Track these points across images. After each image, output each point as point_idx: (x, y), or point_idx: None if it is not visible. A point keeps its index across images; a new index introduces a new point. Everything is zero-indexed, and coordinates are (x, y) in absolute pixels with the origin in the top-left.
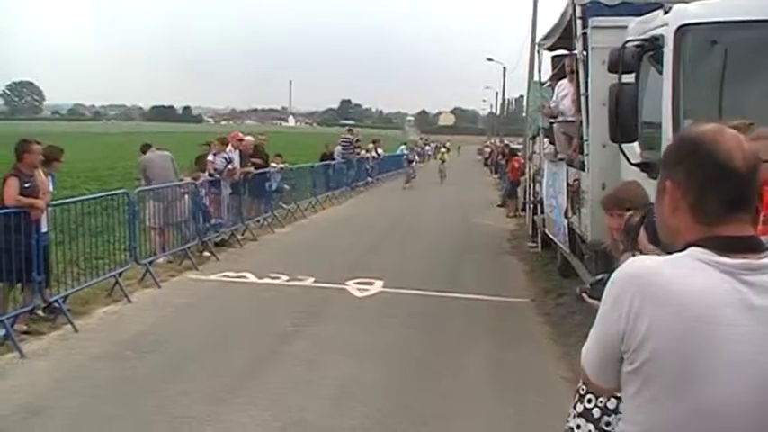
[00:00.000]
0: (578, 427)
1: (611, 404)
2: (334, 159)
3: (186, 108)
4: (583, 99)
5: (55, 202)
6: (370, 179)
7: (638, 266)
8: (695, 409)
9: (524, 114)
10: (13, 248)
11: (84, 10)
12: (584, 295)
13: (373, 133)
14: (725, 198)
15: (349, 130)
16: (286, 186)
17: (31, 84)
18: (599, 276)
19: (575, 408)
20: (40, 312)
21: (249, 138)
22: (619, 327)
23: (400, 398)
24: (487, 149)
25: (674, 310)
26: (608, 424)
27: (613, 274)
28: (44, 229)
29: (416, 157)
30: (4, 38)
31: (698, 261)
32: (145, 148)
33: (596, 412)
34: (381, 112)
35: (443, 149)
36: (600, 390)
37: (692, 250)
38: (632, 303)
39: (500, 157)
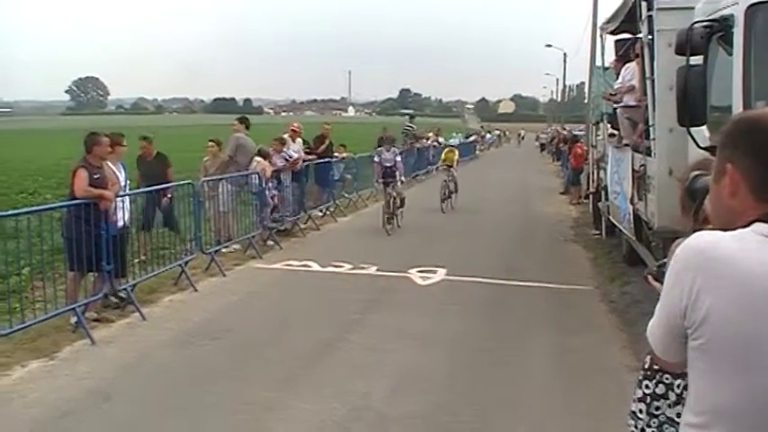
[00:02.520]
0: (640, 411)
1: (660, 389)
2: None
3: (247, 100)
4: (648, 83)
5: (125, 192)
6: (431, 167)
7: (700, 241)
8: (761, 385)
9: (586, 100)
10: (83, 238)
11: (147, 5)
12: (650, 278)
13: (433, 122)
14: None
15: (411, 118)
16: (348, 176)
17: (96, 79)
18: (666, 259)
19: (635, 393)
20: (113, 299)
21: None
22: (681, 303)
23: (463, 385)
24: (544, 136)
25: (738, 286)
26: (657, 408)
27: (677, 250)
28: (123, 221)
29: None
30: (70, 35)
31: (762, 236)
32: (246, 122)
33: (648, 398)
34: (441, 100)
35: (447, 149)
36: (666, 365)
37: (757, 225)
38: (694, 279)
39: (561, 144)
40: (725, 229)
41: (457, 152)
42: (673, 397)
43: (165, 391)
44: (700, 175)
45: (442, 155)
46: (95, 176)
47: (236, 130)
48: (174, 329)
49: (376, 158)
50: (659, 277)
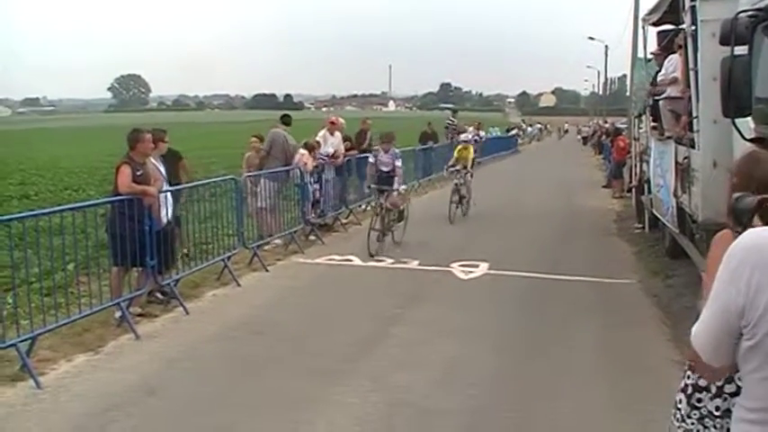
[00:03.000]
0: (680, 401)
1: (703, 381)
2: (435, 141)
3: (287, 96)
4: (692, 74)
5: (167, 188)
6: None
7: (755, 238)
8: None
9: (627, 93)
10: (127, 234)
11: (191, 3)
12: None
13: (474, 116)
14: None
15: (453, 113)
16: None
17: (138, 76)
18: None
19: (679, 383)
20: (159, 295)
21: (341, 119)
22: (738, 301)
23: (506, 379)
24: (586, 129)
25: None
26: (699, 401)
27: (729, 249)
28: (168, 217)
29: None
30: (111, 33)
31: None
32: (286, 119)
33: (690, 388)
34: (481, 94)
35: (460, 146)
36: (709, 371)
37: None
38: (751, 277)
39: (603, 137)
40: None
41: (473, 149)
42: (714, 389)
43: (208, 385)
44: (743, 195)
45: (455, 153)
46: (138, 173)
47: (276, 126)
48: (217, 324)
49: (371, 159)
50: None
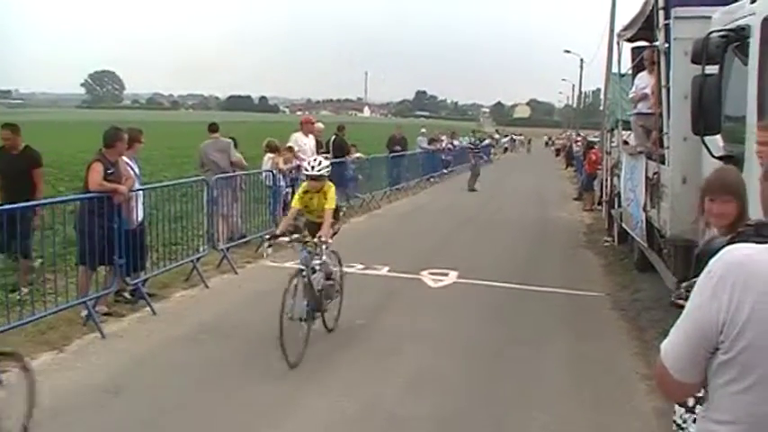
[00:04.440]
0: (684, 422)
1: (690, 401)
2: (405, 146)
3: (262, 98)
4: (664, 91)
5: (139, 187)
6: (445, 171)
7: (736, 255)
8: None
9: (601, 107)
10: (96, 232)
11: (165, 2)
12: (681, 302)
13: (448, 125)
14: None
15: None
16: (360, 176)
17: (112, 73)
18: (694, 280)
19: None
20: (126, 295)
21: (319, 124)
22: (719, 317)
23: (475, 388)
24: (560, 141)
25: None
26: (684, 421)
27: (711, 263)
28: (140, 217)
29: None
30: (85, 28)
31: None
32: (213, 126)
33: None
34: (456, 103)
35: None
36: (677, 389)
37: None
38: (732, 293)
39: (574, 146)
40: None
41: (333, 191)
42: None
43: (175, 387)
44: (713, 238)
45: (295, 197)
46: (109, 171)
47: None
48: (184, 325)
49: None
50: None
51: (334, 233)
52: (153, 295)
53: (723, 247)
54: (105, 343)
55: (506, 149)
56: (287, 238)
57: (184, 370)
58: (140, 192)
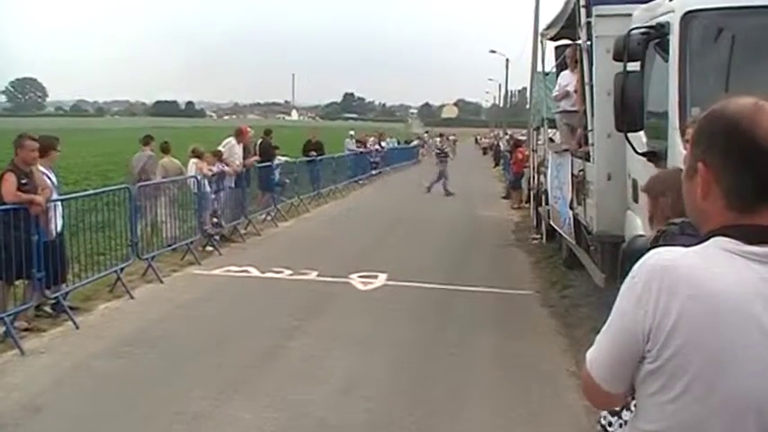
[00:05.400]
0: (610, 424)
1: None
2: (321, 151)
3: (189, 103)
4: (587, 89)
5: (57, 197)
6: (374, 172)
7: (661, 259)
8: (724, 403)
9: (528, 106)
10: (12, 245)
11: (87, 5)
12: None
13: (376, 126)
14: (763, 184)
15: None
16: (287, 180)
17: (34, 80)
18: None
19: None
20: (47, 309)
21: (251, 131)
22: (645, 325)
23: (406, 392)
24: (486, 141)
25: (703, 303)
26: (610, 424)
27: (634, 268)
28: (59, 227)
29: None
30: (6, 34)
31: (725, 251)
32: (146, 140)
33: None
34: (384, 105)
35: None
36: (604, 398)
37: (718, 240)
38: (658, 299)
39: (497, 146)
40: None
41: None
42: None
43: (99, 403)
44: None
45: None
46: (23, 181)
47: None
48: (108, 338)
49: None
50: None
51: None
52: (75, 308)
53: (647, 246)
54: (25, 360)
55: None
56: None
57: (107, 385)
58: (58, 202)
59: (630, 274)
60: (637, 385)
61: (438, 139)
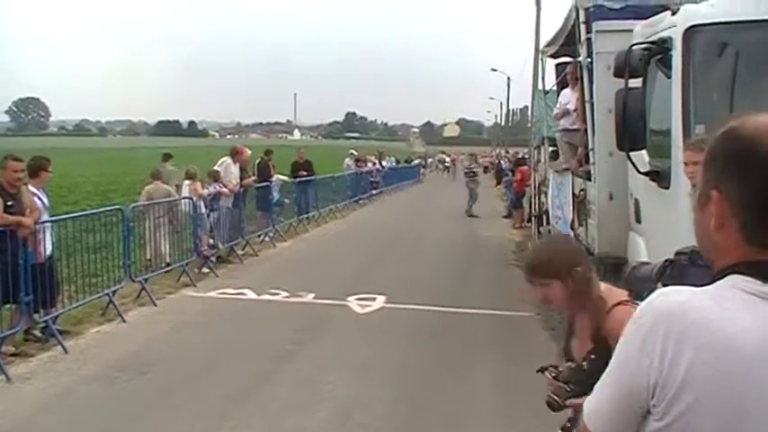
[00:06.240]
0: None
1: None
2: (311, 172)
3: (191, 123)
4: (587, 106)
5: (47, 219)
6: (374, 192)
7: (669, 301)
8: None
9: (529, 125)
10: None
11: (90, 27)
12: (555, 398)
13: (377, 145)
14: None
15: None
16: (286, 200)
17: (37, 100)
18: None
19: None
20: (36, 333)
21: (248, 151)
22: (650, 377)
23: (403, 419)
24: (487, 159)
25: (719, 351)
26: None
27: (637, 312)
28: (48, 250)
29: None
30: (9, 55)
31: (742, 291)
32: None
33: None
34: (386, 123)
35: None
36: None
37: (734, 278)
38: (665, 347)
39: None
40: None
41: None
42: None
43: (85, 431)
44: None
45: None
46: (9, 203)
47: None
48: (97, 364)
49: None
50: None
51: None
52: (66, 332)
53: (651, 275)
54: (11, 387)
55: (437, 167)
56: None
57: (93, 412)
58: (48, 224)
59: (633, 317)
60: None
61: (462, 157)
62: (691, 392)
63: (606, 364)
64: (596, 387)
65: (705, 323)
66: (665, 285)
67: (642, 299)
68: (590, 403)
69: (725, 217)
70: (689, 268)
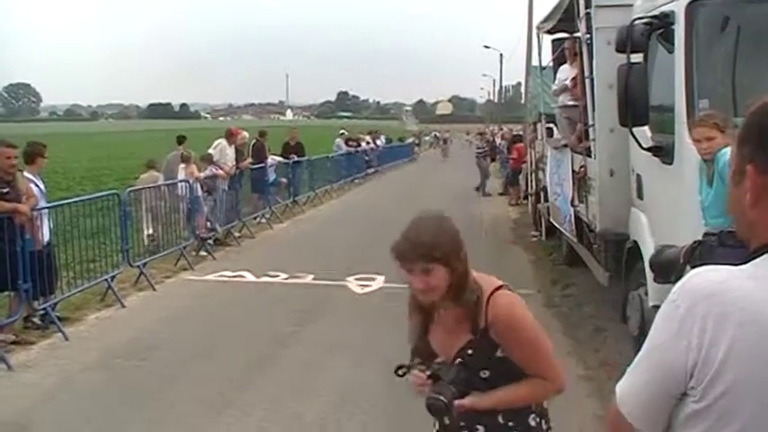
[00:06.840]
0: None
1: None
2: (301, 153)
3: (183, 105)
4: (587, 82)
5: (44, 205)
6: (369, 171)
7: (707, 280)
8: None
9: (522, 101)
10: None
11: (79, 11)
12: (439, 397)
13: (370, 124)
14: None
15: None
16: (283, 180)
17: (28, 85)
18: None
19: None
20: (36, 320)
21: (244, 133)
22: (688, 359)
23: (404, 400)
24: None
25: (759, 332)
26: None
27: (673, 291)
28: (47, 236)
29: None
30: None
31: None
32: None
33: None
34: (379, 102)
35: None
36: None
37: None
38: (704, 327)
39: (492, 142)
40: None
41: None
42: None
43: (87, 418)
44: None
45: None
46: (4, 190)
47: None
48: (98, 350)
49: None
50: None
51: None
52: (65, 319)
53: (678, 258)
54: (11, 375)
55: (431, 145)
56: None
57: (97, 399)
58: (45, 210)
59: (669, 298)
60: (675, 426)
61: (468, 136)
62: (730, 373)
63: (488, 357)
64: (629, 370)
65: (745, 303)
66: (694, 267)
67: (670, 281)
68: (623, 386)
69: (761, 192)
70: (717, 249)
